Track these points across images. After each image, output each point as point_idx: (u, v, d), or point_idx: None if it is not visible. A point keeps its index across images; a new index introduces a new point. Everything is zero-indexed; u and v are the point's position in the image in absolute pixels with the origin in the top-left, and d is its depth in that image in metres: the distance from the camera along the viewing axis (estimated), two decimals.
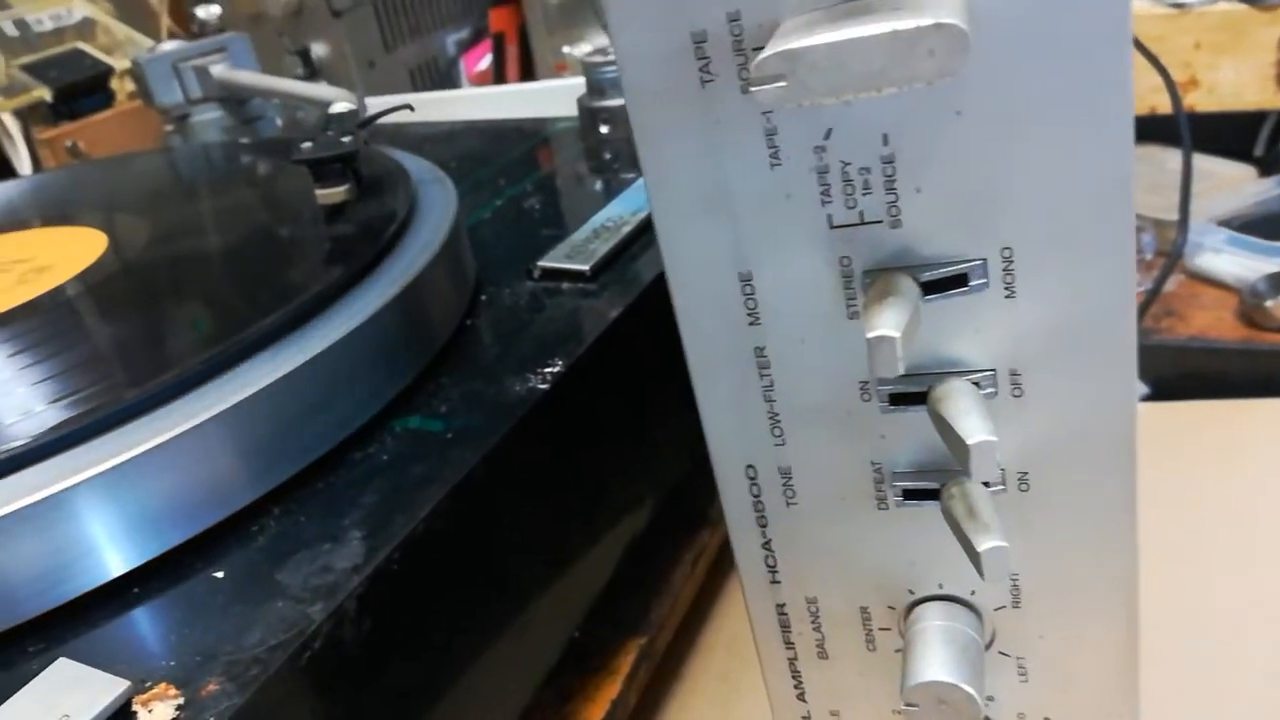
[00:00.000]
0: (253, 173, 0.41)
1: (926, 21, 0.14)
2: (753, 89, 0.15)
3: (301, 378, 0.26)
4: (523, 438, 0.28)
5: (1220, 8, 0.51)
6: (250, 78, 0.47)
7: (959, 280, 0.17)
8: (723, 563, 0.40)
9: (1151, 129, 0.54)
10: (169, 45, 0.52)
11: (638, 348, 0.34)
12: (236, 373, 0.26)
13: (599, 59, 0.48)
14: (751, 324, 0.19)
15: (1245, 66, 0.51)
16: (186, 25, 0.76)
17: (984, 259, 0.17)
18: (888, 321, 0.16)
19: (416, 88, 0.76)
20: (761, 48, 0.16)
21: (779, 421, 0.20)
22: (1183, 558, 0.36)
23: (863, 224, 0.18)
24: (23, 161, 0.61)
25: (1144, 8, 0.52)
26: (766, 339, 0.19)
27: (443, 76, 0.77)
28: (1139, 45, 0.49)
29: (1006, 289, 0.18)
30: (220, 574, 0.24)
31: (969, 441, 0.16)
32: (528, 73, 0.74)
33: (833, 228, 0.18)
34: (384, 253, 0.32)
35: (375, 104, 0.65)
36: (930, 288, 0.18)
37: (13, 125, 0.59)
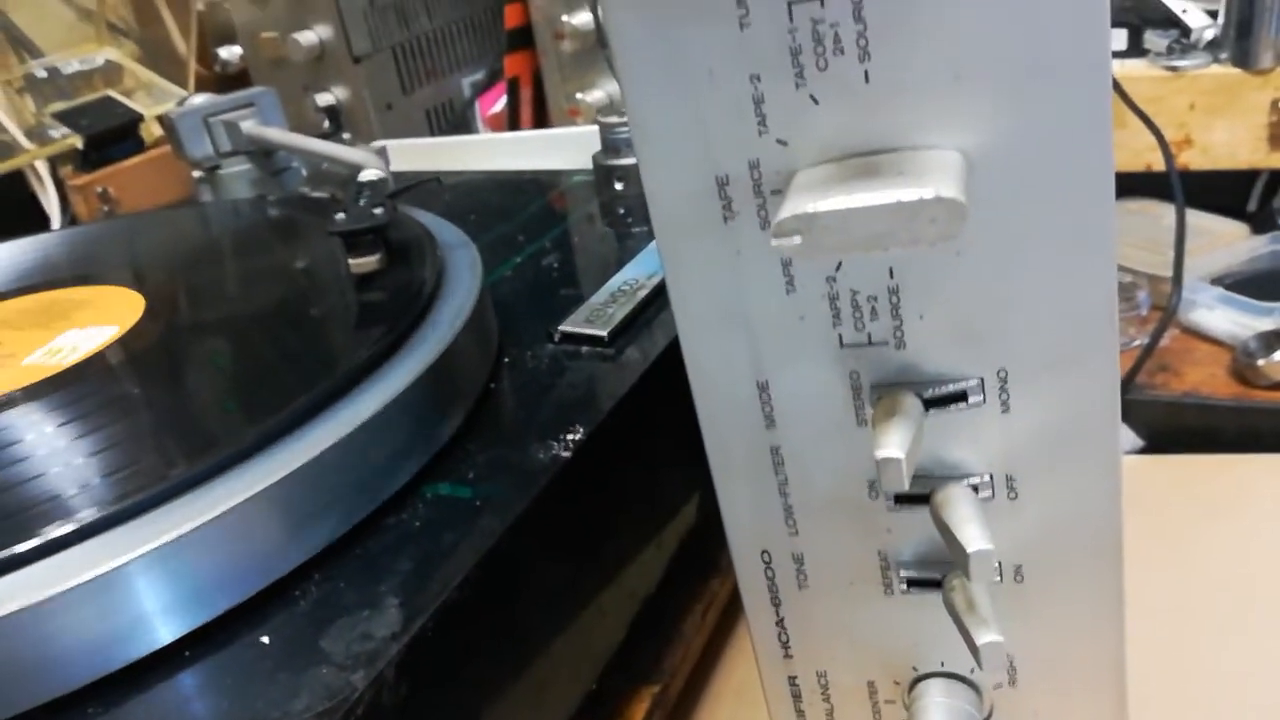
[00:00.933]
0: (286, 235, 0.43)
1: (929, 194, 0.15)
2: (774, 241, 0.16)
3: (342, 451, 0.28)
4: (546, 504, 0.30)
5: (1214, 71, 0.53)
6: (280, 135, 0.49)
7: (959, 396, 0.19)
8: (731, 610, 0.42)
9: (1148, 185, 0.56)
10: (199, 99, 0.54)
11: (652, 408, 0.36)
12: (280, 446, 0.28)
13: (614, 120, 0.50)
14: (768, 427, 0.21)
15: (1238, 127, 0.53)
16: (209, 64, 0.78)
17: (981, 378, 0.19)
18: (894, 443, 0.18)
19: (432, 129, 0.78)
20: (779, 190, 0.18)
21: (793, 513, 0.22)
22: (1173, 608, 0.37)
23: (870, 344, 0.19)
24: (53, 206, 0.63)
25: (1141, 70, 0.54)
26: (782, 440, 0.21)
27: (458, 118, 0.79)
28: (1133, 107, 0.51)
29: (1002, 405, 0.19)
30: (266, 639, 0.26)
31: (969, 550, 0.18)
32: (541, 116, 0.76)
33: (843, 346, 0.20)
34: (415, 323, 0.33)
35: (394, 147, 0.68)
36: (932, 403, 0.19)
37: (44, 170, 0.61)
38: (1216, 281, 0.50)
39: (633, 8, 0.18)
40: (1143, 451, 0.46)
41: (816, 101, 0.18)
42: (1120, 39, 0.56)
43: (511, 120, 0.76)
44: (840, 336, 0.20)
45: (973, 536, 0.18)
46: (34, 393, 0.32)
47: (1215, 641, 0.36)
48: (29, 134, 0.64)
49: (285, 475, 0.27)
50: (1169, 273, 0.50)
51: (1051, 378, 0.19)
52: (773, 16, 0.17)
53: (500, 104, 0.78)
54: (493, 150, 0.67)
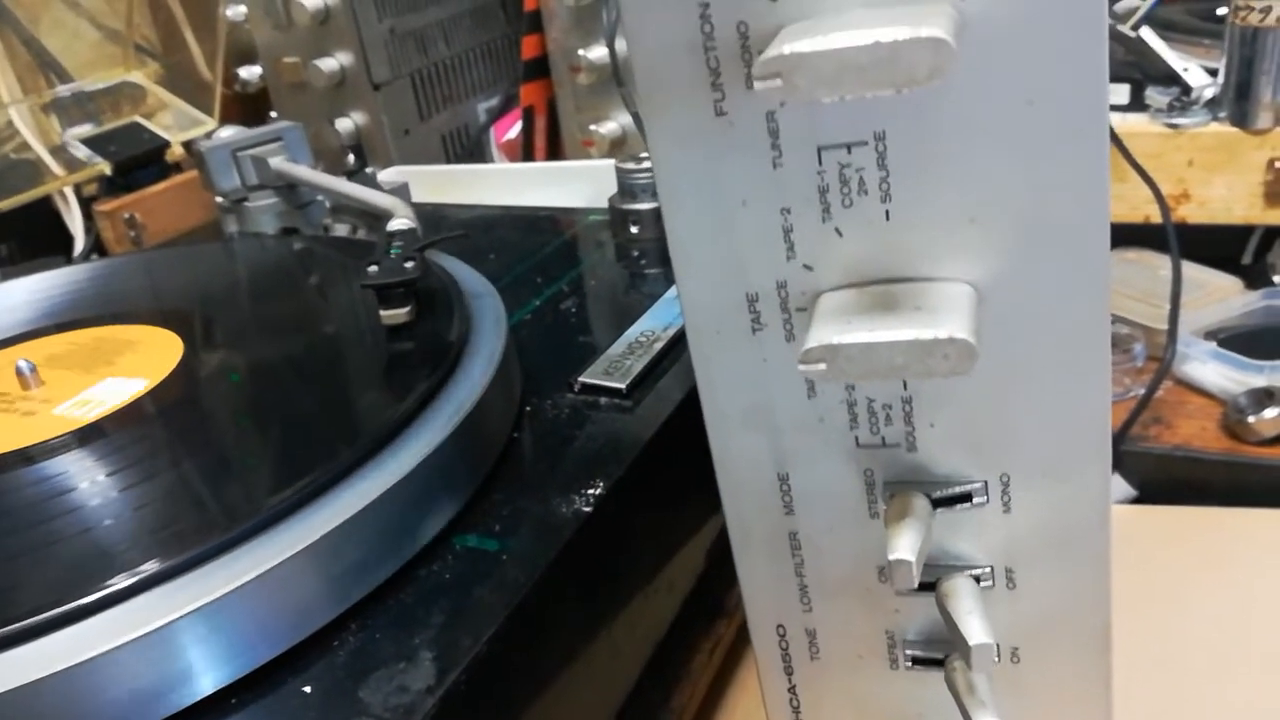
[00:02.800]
0: (320, 280, 0.45)
1: (943, 334, 0.17)
2: (800, 366, 0.18)
3: (379, 508, 0.30)
4: (568, 557, 0.32)
5: (1212, 129, 0.55)
6: (308, 174, 0.50)
7: (965, 497, 0.21)
8: (736, 650, 0.44)
9: (1146, 236, 0.58)
10: (227, 132, 0.55)
11: (668, 459, 0.38)
12: (320, 504, 0.29)
13: (630, 166, 0.51)
14: (787, 513, 0.23)
15: (1235, 184, 0.55)
16: (230, 84, 0.80)
17: (985, 481, 0.21)
18: (905, 546, 0.19)
19: (448, 153, 0.79)
20: (804, 309, 0.20)
21: (807, 592, 0.23)
22: (1161, 660, 0.39)
23: (884, 446, 0.21)
24: (77, 228, 0.64)
25: (1142, 125, 0.56)
26: (799, 526, 0.23)
27: (473, 143, 0.80)
28: (1133, 162, 0.53)
29: (1004, 505, 0.21)
30: (308, 689, 0.27)
31: (971, 643, 0.20)
32: (554, 145, 0.78)
33: (859, 446, 0.21)
34: (445, 378, 0.35)
35: (412, 173, 0.69)
36: (940, 502, 0.21)
37: (69, 193, 0.63)
38: (1210, 335, 0.52)
39: (677, 142, 0.19)
40: (1134, 501, 0.48)
41: (841, 234, 0.19)
42: (1122, 93, 0.58)
43: (526, 148, 0.78)
44: (856, 438, 0.21)
45: (975, 630, 0.20)
46: (75, 443, 0.33)
47: (1202, 693, 0.38)
48: (54, 154, 0.66)
49: (326, 533, 0.28)
50: (1164, 325, 0.51)
51: (1049, 483, 0.21)
52: (803, 159, 0.19)
53: (515, 130, 0.80)
54: (509, 181, 0.69)
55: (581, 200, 0.63)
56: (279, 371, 0.38)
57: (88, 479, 0.32)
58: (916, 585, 0.19)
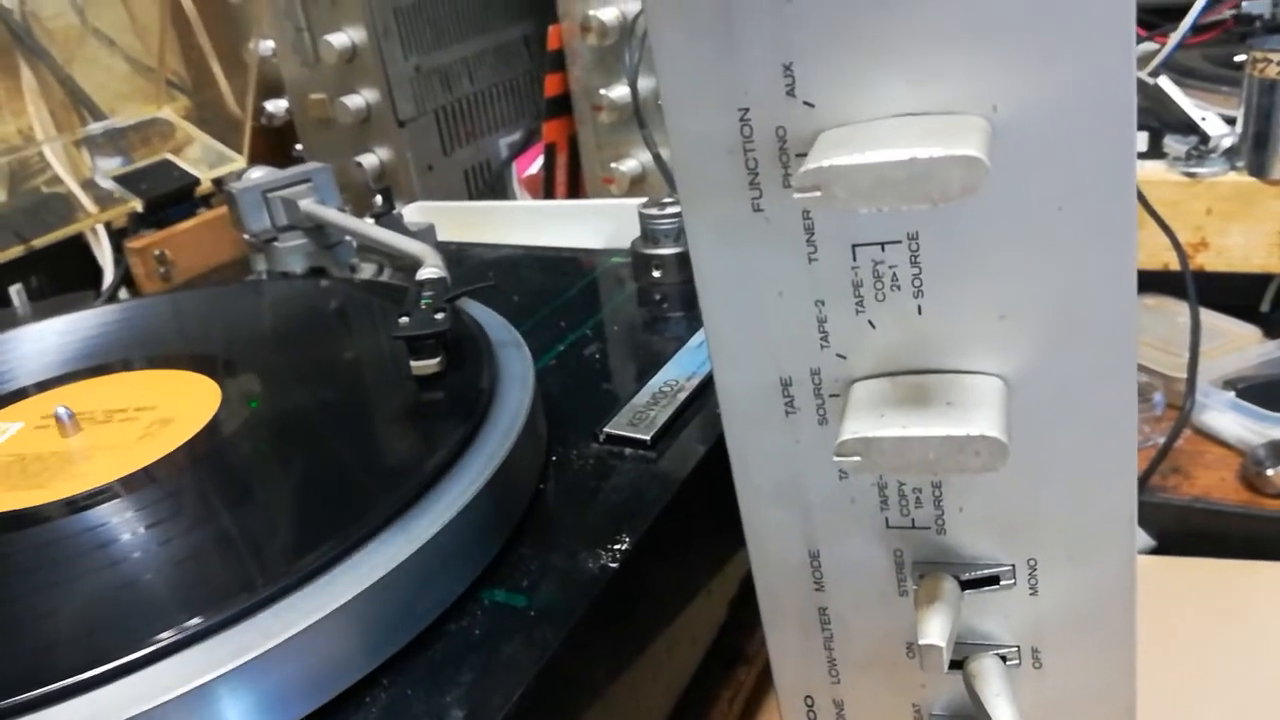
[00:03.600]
0: (351, 326, 0.46)
1: (975, 432, 0.18)
2: (835, 458, 0.19)
3: (413, 564, 0.30)
4: (595, 614, 0.32)
5: (1230, 179, 0.55)
6: (338, 217, 0.51)
7: (993, 580, 0.21)
8: (756, 698, 0.44)
9: (1164, 283, 0.58)
10: (257, 173, 0.56)
11: (691, 512, 0.38)
12: (355, 561, 0.30)
13: (653, 212, 0.52)
14: (817, 589, 0.23)
15: (1253, 233, 0.55)
16: (256, 116, 0.81)
17: (1013, 564, 0.21)
18: (935, 631, 0.20)
19: (470, 188, 0.80)
20: (836, 395, 0.20)
21: (836, 665, 0.24)
22: (1181, 710, 0.39)
23: (914, 528, 0.22)
24: (107, 260, 0.66)
25: (1160, 174, 0.57)
26: (829, 602, 0.23)
27: (495, 178, 0.82)
28: (1151, 211, 0.53)
29: (1031, 588, 0.21)
30: None
31: None
32: (575, 181, 0.79)
33: (889, 527, 0.22)
34: (475, 431, 0.36)
35: (436, 209, 0.70)
36: (969, 584, 0.21)
37: (100, 228, 0.64)
38: (1229, 384, 0.52)
39: (716, 234, 0.20)
40: (1154, 552, 0.48)
41: (874, 327, 0.20)
42: (1141, 140, 0.58)
43: (547, 183, 0.79)
44: (886, 519, 0.22)
45: (1003, 713, 0.20)
46: (108, 496, 0.34)
47: None
48: (85, 188, 0.67)
49: (360, 591, 0.29)
50: (1183, 374, 0.52)
51: (1076, 568, 0.21)
52: (838, 254, 0.19)
53: (536, 166, 0.81)
54: (531, 218, 0.70)
55: (603, 238, 0.64)
56: (312, 423, 0.39)
57: (120, 533, 0.32)
58: (946, 670, 0.20)
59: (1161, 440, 0.50)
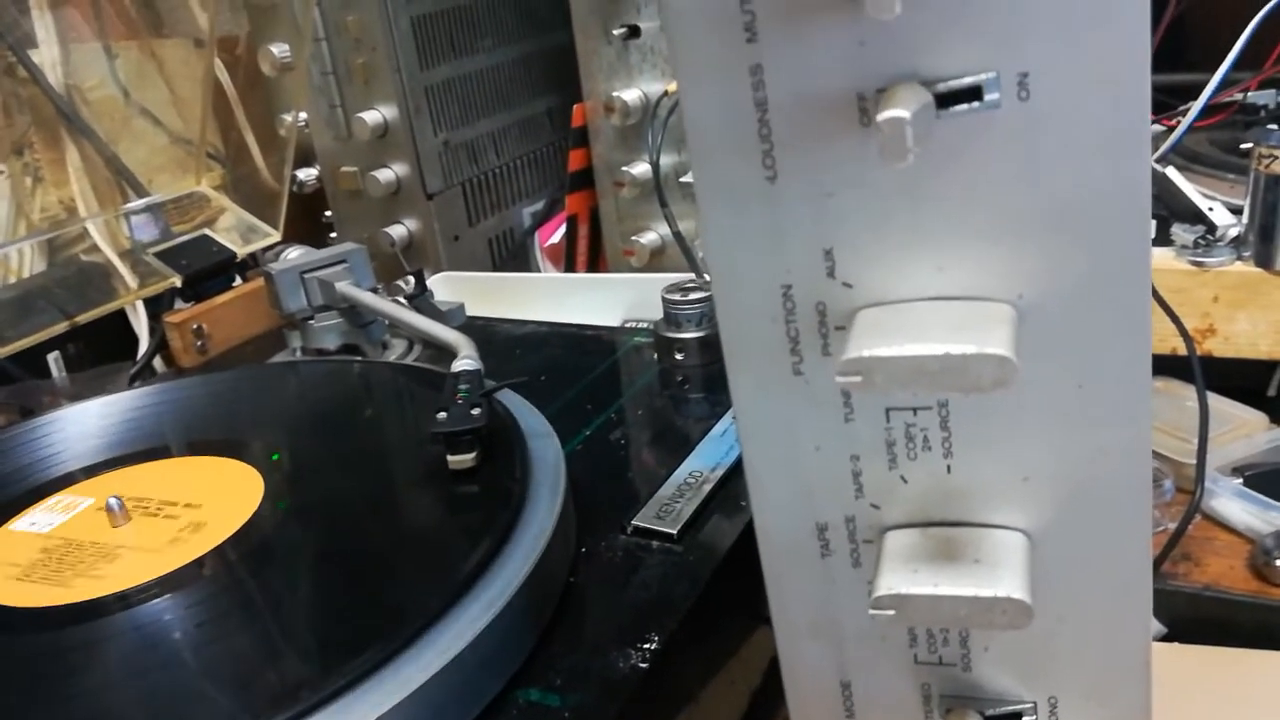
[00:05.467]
0: (385, 411, 0.47)
1: (1001, 594, 0.19)
2: (871, 611, 0.20)
3: (454, 667, 0.31)
4: (626, 712, 0.33)
5: (1237, 268, 0.57)
6: (373, 301, 0.53)
7: (1015, 715, 0.23)
8: None
9: (1172, 367, 0.60)
10: (294, 253, 0.58)
11: (717, 603, 0.39)
12: (395, 667, 0.31)
13: (677, 297, 0.54)
14: (848, 717, 0.24)
15: (1260, 321, 0.57)
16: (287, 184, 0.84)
17: (1035, 702, 0.23)
18: None
19: (494, 256, 0.83)
20: (869, 540, 0.22)
21: None
22: None
23: (941, 665, 0.23)
24: (143, 329, 0.68)
25: (1169, 261, 0.58)
26: None
27: (518, 246, 0.84)
28: (1159, 298, 0.55)
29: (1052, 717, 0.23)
30: None
31: None
32: (596, 250, 0.81)
33: (917, 663, 0.23)
34: (510, 528, 0.37)
35: (461, 280, 0.72)
36: (992, 718, 0.23)
37: (140, 303, 0.66)
38: (1237, 471, 0.53)
39: (758, 392, 0.22)
40: (1165, 639, 0.49)
41: (906, 481, 0.21)
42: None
43: (569, 253, 0.81)
44: (915, 655, 0.23)
45: None
46: (131, 603, 0.35)
47: None
48: (122, 257, 0.69)
49: (400, 700, 0.30)
50: (1192, 459, 0.53)
51: (1094, 705, 0.22)
52: (873, 416, 0.21)
53: (558, 235, 0.83)
54: (555, 290, 0.72)
55: (624, 309, 0.66)
56: (349, 521, 0.40)
57: (147, 642, 0.33)
58: None
59: (1172, 526, 0.52)
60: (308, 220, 0.84)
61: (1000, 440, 0.20)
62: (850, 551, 0.22)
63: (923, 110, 0.16)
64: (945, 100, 0.17)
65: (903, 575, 0.20)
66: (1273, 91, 0.67)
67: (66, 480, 0.44)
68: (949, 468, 0.21)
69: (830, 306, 0.20)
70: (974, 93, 0.17)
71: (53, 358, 0.68)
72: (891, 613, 0.20)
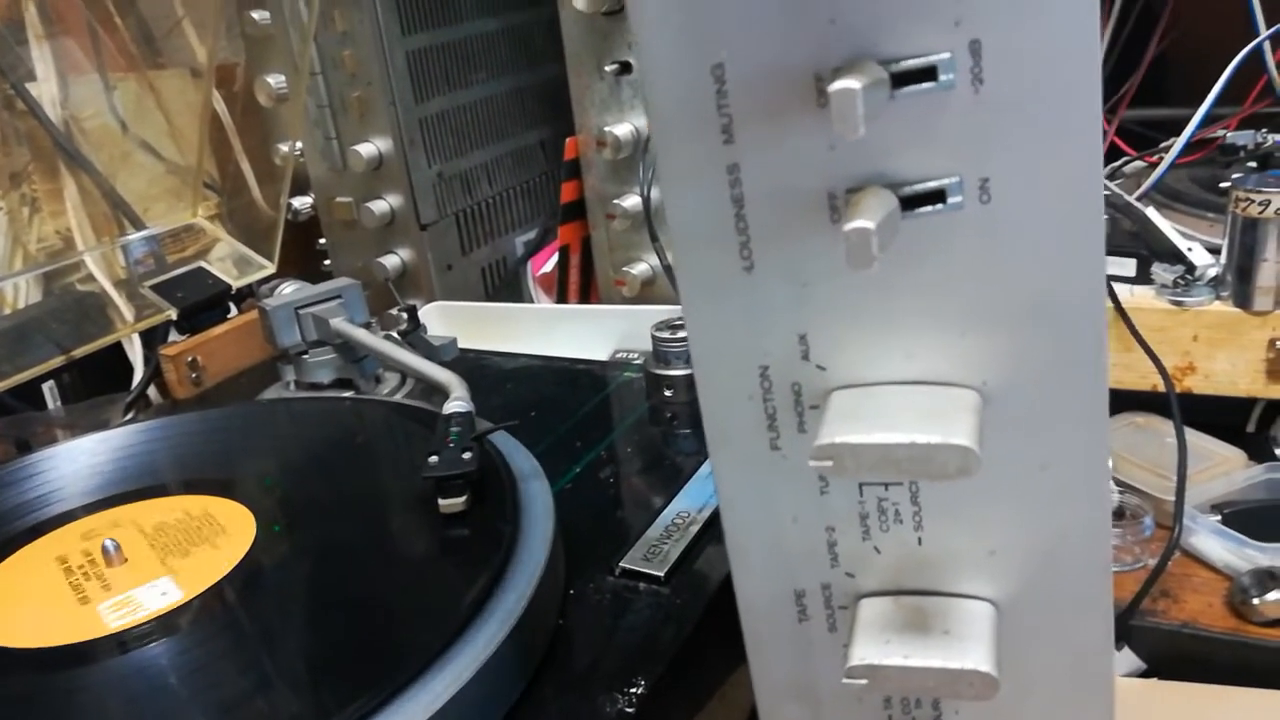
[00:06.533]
0: (376, 450, 0.48)
1: (969, 666, 0.20)
2: (844, 680, 0.21)
3: (446, 712, 0.32)
4: None
5: (1216, 308, 0.58)
6: (367, 338, 0.54)
7: None
8: None
9: (1153, 403, 0.61)
10: (289, 289, 0.59)
11: (701, 643, 0.40)
12: (390, 711, 0.32)
13: (665, 335, 0.55)
14: None
15: (1238, 360, 0.58)
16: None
17: None
18: None
19: (487, 285, 0.83)
20: (845, 606, 0.23)
21: None
22: None
23: None
24: (137, 358, 0.68)
25: (1148, 301, 0.59)
26: None
27: (511, 275, 0.85)
28: (1139, 338, 0.56)
29: None
30: None
31: None
32: (588, 279, 0.82)
33: None
34: (500, 572, 0.38)
35: (454, 310, 0.73)
36: None
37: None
38: (1216, 508, 0.54)
39: (738, 468, 0.23)
40: (1144, 675, 0.50)
41: (879, 552, 0.22)
42: (1129, 267, 0.61)
43: (561, 282, 0.81)
44: (889, 716, 0.24)
45: None
46: (132, 644, 0.36)
47: None
48: (118, 287, 0.70)
49: None
50: (1171, 496, 0.54)
51: None
52: (847, 490, 0.22)
53: (551, 264, 0.84)
54: (547, 320, 0.72)
55: (614, 340, 0.67)
56: (341, 564, 0.40)
57: (147, 684, 0.34)
58: None
59: (1152, 562, 0.53)
60: (301, 247, 0.85)
61: (968, 515, 0.21)
62: (827, 617, 0.23)
63: (888, 217, 0.17)
64: (910, 202, 0.18)
65: (875, 646, 0.21)
66: (1251, 132, 0.68)
67: (64, 518, 0.45)
68: (919, 540, 0.22)
69: (805, 387, 0.21)
70: (938, 195, 0.18)
71: (48, 387, 0.69)
72: (864, 682, 0.21)
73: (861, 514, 0.22)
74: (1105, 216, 0.60)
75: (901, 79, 0.17)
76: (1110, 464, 0.55)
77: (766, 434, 0.22)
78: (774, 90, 0.18)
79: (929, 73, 0.17)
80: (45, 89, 0.71)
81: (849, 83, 0.15)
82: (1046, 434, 0.20)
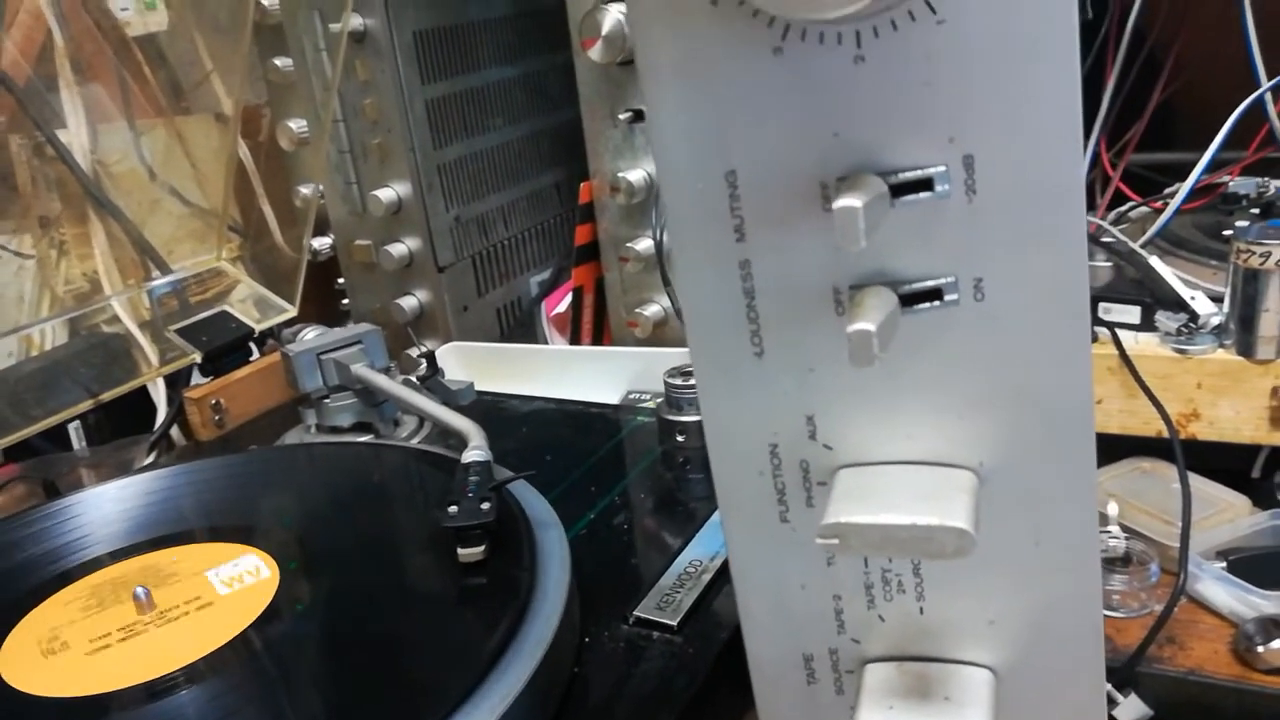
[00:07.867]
0: (397, 496, 0.50)
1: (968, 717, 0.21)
2: None
3: None
4: None
5: (1219, 356, 0.59)
6: (387, 385, 0.56)
7: None
8: None
9: (1158, 448, 0.61)
10: (311, 334, 0.61)
11: (713, 689, 0.41)
12: None
13: (678, 381, 0.56)
14: None
15: (1242, 407, 0.59)
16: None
17: None
18: None
19: (502, 325, 0.85)
20: (851, 671, 0.24)
21: None
22: None
23: None
24: (160, 399, 0.70)
25: (1152, 349, 0.60)
26: None
27: (525, 315, 0.86)
28: (1143, 386, 0.57)
29: None
30: None
31: None
32: (601, 319, 0.83)
33: None
34: (518, 622, 0.39)
35: (468, 351, 0.75)
36: None
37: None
38: (1221, 554, 0.55)
39: (749, 538, 0.24)
40: None
41: (883, 620, 0.23)
42: (1134, 315, 0.62)
43: (575, 323, 0.83)
44: None
45: None
46: (175, 683, 0.37)
47: None
48: (142, 328, 0.72)
49: None
50: (1176, 543, 0.55)
51: None
52: (853, 561, 0.23)
53: (564, 304, 0.85)
54: (561, 362, 0.74)
55: (627, 381, 0.68)
56: (359, 613, 0.41)
57: None
58: None
59: (1158, 609, 0.53)
60: (321, 287, 0.86)
61: (967, 587, 0.22)
62: (834, 680, 0.24)
63: (889, 317, 0.19)
64: (910, 299, 0.20)
65: (879, 712, 0.22)
66: (1254, 180, 0.69)
67: (92, 566, 0.46)
68: (921, 609, 0.23)
69: (813, 464, 0.22)
70: (935, 293, 0.20)
71: (73, 427, 0.70)
72: None
73: (866, 584, 0.23)
74: (1109, 264, 0.61)
75: (900, 189, 0.19)
76: (1115, 511, 0.55)
77: (776, 507, 0.23)
78: (782, 195, 0.19)
79: (926, 184, 0.18)
80: (75, 137, 0.74)
81: (851, 201, 0.17)
82: (1038, 511, 0.21)
